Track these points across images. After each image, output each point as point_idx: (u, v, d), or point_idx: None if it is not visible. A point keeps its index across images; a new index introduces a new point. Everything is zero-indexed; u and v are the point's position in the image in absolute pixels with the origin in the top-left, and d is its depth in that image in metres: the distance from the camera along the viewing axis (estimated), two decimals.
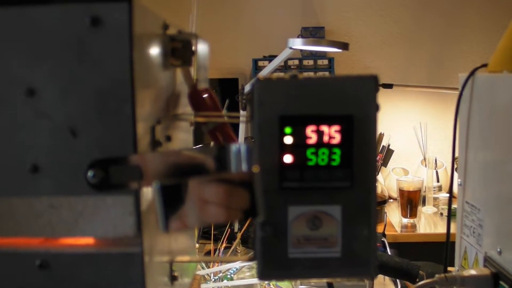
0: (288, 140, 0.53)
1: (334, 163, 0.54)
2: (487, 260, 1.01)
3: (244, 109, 1.82)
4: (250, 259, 0.58)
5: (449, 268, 1.18)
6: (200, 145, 0.79)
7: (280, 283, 1.51)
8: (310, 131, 0.53)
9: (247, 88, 1.68)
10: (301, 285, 1.58)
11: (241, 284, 1.47)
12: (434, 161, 2.97)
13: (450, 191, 1.24)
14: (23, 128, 0.58)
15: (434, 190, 2.97)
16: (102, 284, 0.60)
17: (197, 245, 1.75)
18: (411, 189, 2.66)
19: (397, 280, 1.65)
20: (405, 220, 2.77)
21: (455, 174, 1.16)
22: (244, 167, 0.46)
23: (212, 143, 0.86)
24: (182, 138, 0.86)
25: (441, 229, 2.71)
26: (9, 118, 0.58)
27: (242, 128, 1.90)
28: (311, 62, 2.57)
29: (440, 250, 1.23)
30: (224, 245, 1.68)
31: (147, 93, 0.62)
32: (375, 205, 0.55)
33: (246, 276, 1.57)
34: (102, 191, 0.51)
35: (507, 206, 0.98)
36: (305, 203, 0.53)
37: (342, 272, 0.57)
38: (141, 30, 0.59)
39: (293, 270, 0.55)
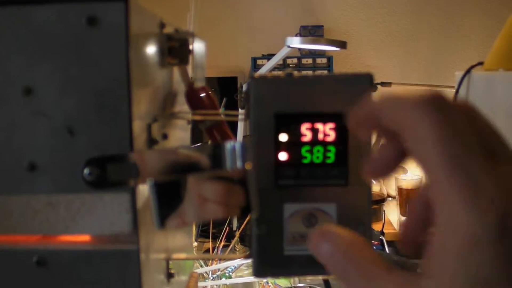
0: (283, 137, 0.53)
1: (329, 161, 0.54)
2: None
3: (242, 108, 1.82)
4: (246, 257, 0.59)
5: None
6: (199, 144, 0.80)
7: (278, 281, 1.52)
8: (305, 128, 0.53)
9: (246, 86, 1.68)
10: (299, 282, 1.58)
11: (240, 282, 1.48)
12: None
13: None
14: (20, 126, 0.58)
15: None
16: (99, 280, 0.60)
17: (195, 243, 1.75)
18: (409, 188, 2.66)
19: None
20: (404, 219, 2.76)
21: None
22: (239, 165, 0.46)
23: (209, 141, 0.86)
24: (179, 136, 0.86)
25: None
26: (7, 116, 0.58)
27: (240, 126, 1.90)
28: (310, 60, 2.57)
29: None
30: (222, 243, 1.68)
31: (144, 92, 0.63)
32: (370, 202, 0.56)
33: (245, 274, 1.57)
34: (98, 189, 0.52)
35: None
36: (300, 200, 0.53)
37: None
38: (137, 29, 0.59)
39: (289, 267, 0.55)
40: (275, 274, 0.59)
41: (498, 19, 2.77)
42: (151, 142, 0.65)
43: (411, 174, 2.89)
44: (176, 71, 0.80)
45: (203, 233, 1.87)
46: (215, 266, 1.51)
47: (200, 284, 1.46)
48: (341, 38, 2.60)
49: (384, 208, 2.70)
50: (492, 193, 0.29)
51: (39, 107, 0.58)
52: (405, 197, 2.70)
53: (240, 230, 1.74)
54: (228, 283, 1.49)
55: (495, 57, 1.10)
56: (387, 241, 1.77)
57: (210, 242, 1.73)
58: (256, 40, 2.78)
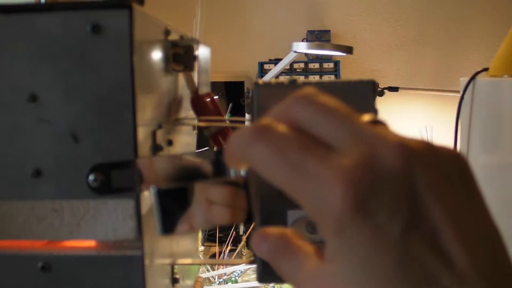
0: None
1: None
2: None
3: (249, 113, 1.83)
4: (250, 262, 0.59)
5: None
6: (204, 149, 0.80)
7: (283, 286, 1.52)
8: None
9: (250, 92, 1.68)
10: None
11: (246, 287, 1.48)
12: None
13: None
14: (25, 133, 0.59)
15: None
16: (103, 286, 0.60)
17: (202, 248, 1.75)
18: None
19: None
20: None
21: None
22: (242, 171, 0.46)
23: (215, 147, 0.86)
24: (185, 141, 0.86)
25: None
26: (12, 123, 0.59)
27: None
28: (316, 65, 2.57)
29: None
30: (229, 247, 1.69)
31: (148, 98, 0.63)
32: None
33: (251, 278, 1.57)
34: (103, 195, 0.52)
35: (508, 210, 0.98)
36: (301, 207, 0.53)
37: None
38: (142, 36, 0.59)
39: None
40: (279, 279, 0.59)
41: (505, 25, 2.77)
42: (156, 148, 0.65)
43: None
44: (181, 77, 0.81)
45: (210, 237, 1.87)
46: (221, 270, 1.51)
47: None
48: (348, 42, 2.60)
49: None
50: (329, 185, 0.31)
51: (44, 113, 0.58)
52: None
53: (246, 235, 1.74)
54: None
55: (500, 63, 1.10)
56: None
57: (217, 246, 1.73)
58: (263, 45, 2.78)
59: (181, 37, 0.79)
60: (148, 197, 0.61)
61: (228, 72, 2.67)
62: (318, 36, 2.68)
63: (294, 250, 0.37)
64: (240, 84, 2.66)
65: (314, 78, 2.52)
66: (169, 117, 0.74)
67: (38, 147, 0.59)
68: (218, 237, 1.78)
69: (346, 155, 0.32)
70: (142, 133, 0.60)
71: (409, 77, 2.82)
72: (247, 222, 0.42)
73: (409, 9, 2.82)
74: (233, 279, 1.53)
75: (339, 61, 2.58)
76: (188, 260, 0.84)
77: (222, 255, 1.66)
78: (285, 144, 0.33)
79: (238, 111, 1.98)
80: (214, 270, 1.52)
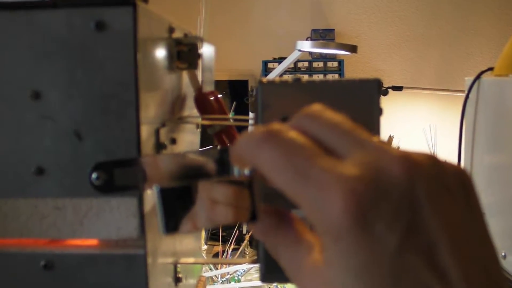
0: None
1: None
2: None
3: (253, 111, 1.82)
4: (253, 262, 0.58)
5: None
6: (208, 147, 0.79)
7: (287, 286, 1.51)
8: None
9: (254, 91, 1.68)
10: None
11: (249, 286, 1.47)
12: None
13: None
14: (28, 130, 0.58)
15: None
16: (106, 285, 0.60)
17: (205, 247, 1.75)
18: None
19: None
20: None
21: None
22: (246, 170, 0.46)
23: (218, 146, 0.86)
24: (188, 140, 0.86)
25: None
26: (15, 120, 0.58)
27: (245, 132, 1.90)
28: (321, 64, 2.56)
29: None
30: (232, 246, 1.68)
31: (152, 96, 0.63)
32: None
33: (254, 277, 1.57)
34: (106, 193, 0.52)
35: None
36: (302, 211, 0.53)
37: None
38: (146, 34, 0.59)
39: None
40: (282, 279, 0.58)
41: (509, 24, 2.76)
42: (159, 146, 0.65)
43: None
44: (185, 75, 0.80)
45: (213, 236, 1.87)
46: (224, 269, 1.51)
47: (209, 287, 1.46)
48: (352, 41, 2.59)
49: None
50: (334, 191, 0.31)
51: (47, 111, 0.58)
52: None
53: (250, 234, 1.74)
54: (237, 287, 1.49)
55: (506, 62, 1.09)
56: None
57: (220, 245, 1.73)
58: (267, 44, 2.78)
59: (185, 35, 0.79)
60: (151, 195, 0.61)
61: (232, 71, 2.67)
62: (322, 35, 2.67)
63: (295, 235, 0.38)
64: (244, 82, 2.66)
65: (318, 77, 2.51)
66: (173, 115, 0.74)
67: (41, 145, 0.58)
68: (221, 236, 1.78)
69: (350, 165, 0.32)
70: (146, 131, 0.60)
71: (413, 77, 2.82)
72: (251, 221, 0.41)
73: (414, 8, 2.82)
74: (236, 278, 1.53)
75: (343, 60, 2.57)
76: (191, 259, 0.84)
77: (225, 254, 1.66)
78: (292, 149, 0.34)
79: (242, 109, 1.98)
80: (217, 269, 1.52)
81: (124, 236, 0.59)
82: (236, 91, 2.59)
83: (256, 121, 0.54)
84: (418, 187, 0.31)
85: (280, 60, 2.45)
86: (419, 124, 2.68)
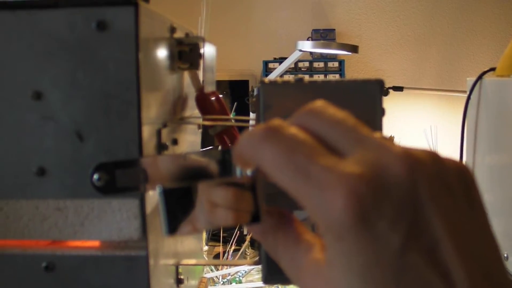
0: None
1: None
2: None
3: (254, 112, 1.82)
4: (255, 263, 0.58)
5: None
6: (209, 148, 0.79)
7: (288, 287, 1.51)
8: None
9: (256, 90, 1.67)
10: None
11: (250, 287, 1.47)
12: None
13: None
14: (30, 131, 0.58)
15: None
16: (107, 286, 0.60)
17: (206, 247, 1.75)
18: None
19: None
20: None
21: None
22: (249, 171, 0.45)
23: (220, 146, 0.86)
24: (190, 140, 0.86)
25: None
26: (16, 121, 0.58)
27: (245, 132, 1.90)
28: (321, 64, 2.56)
29: None
30: (233, 247, 1.68)
31: (153, 96, 0.63)
32: None
33: (255, 278, 1.56)
34: (107, 194, 0.52)
35: None
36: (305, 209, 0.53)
37: None
38: (147, 34, 0.59)
39: None
40: (284, 281, 0.58)
41: (510, 24, 2.76)
42: (161, 147, 0.65)
43: None
44: (186, 75, 0.80)
45: (213, 237, 1.87)
46: (225, 270, 1.50)
47: None
48: (353, 41, 2.59)
49: None
50: (334, 189, 0.31)
51: (49, 111, 0.58)
52: None
53: (251, 235, 1.74)
54: None
55: (508, 63, 1.09)
56: None
57: (221, 246, 1.73)
58: (267, 44, 2.78)
59: (187, 35, 0.79)
60: (153, 197, 0.61)
61: (233, 71, 2.66)
62: (323, 35, 2.67)
63: (295, 236, 0.38)
64: (245, 83, 2.65)
65: (319, 77, 2.51)
66: (174, 116, 0.74)
67: (42, 145, 0.58)
68: (222, 236, 1.78)
69: (351, 163, 0.32)
70: (147, 131, 0.59)
71: (414, 77, 2.82)
72: (253, 222, 0.41)
73: (415, 8, 2.81)
74: (237, 279, 1.52)
75: (343, 60, 2.57)
76: (192, 261, 0.83)
77: (226, 255, 1.66)
78: (293, 146, 0.33)
79: (242, 110, 1.98)
80: (218, 270, 1.51)
81: (125, 238, 0.59)
82: (237, 91, 2.59)
83: (258, 121, 0.54)
84: (420, 186, 0.31)
85: (280, 60, 2.45)
86: (420, 125, 2.68)
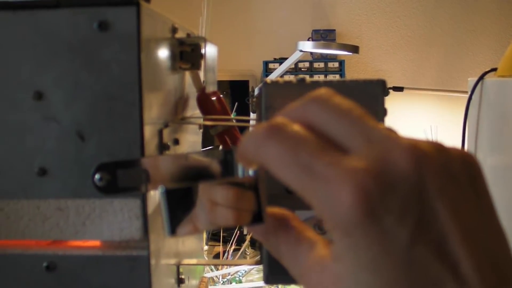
0: None
1: None
2: None
3: (254, 112, 1.82)
4: (256, 263, 0.58)
5: None
6: (209, 148, 0.79)
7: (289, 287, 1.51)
8: None
9: (257, 90, 1.67)
10: None
11: (250, 287, 1.47)
12: None
13: None
14: (31, 131, 0.58)
15: None
16: (109, 286, 0.60)
17: (206, 247, 1.75)
18: None
19: None
20: None
21: None
22: (251, 171, 0.45)
23: (221, 146, 0.86)
24: (191, 140, 0.86)
25: None
26: (18, 121, 0.58)
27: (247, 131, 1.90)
28: (321, 64, 2.56)
29: None
30: (233, 247, 1.68)
31: (155, 97, 0.62)
32: None
33: (255, 278, 1.56)
34: (109, 195, 0.52)
35: None
36: (311, 207, 0.53)
37: None
38: (149, 34, 0.59)
39: None
40: (286, 280, 0.58)
41: (511, 24, 2.76)
42: (163, 147, 0.65)
43: None
44: (187, 75, 0.80)
45: (213, 237, 1.87)
46: (225, 270, 1.50)
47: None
48: (353, 42, 2.59)
49: None
50: (339, 184, 0.31)
51: (50, 111, 0.58)
52: None
53: (251, 234, 1.74)
54: None
55: (509, 63, 1.09)
56: None
57: (221, 246, 1.73)
58: (267, 44, 2.78)
59: (188, 35, 0.79)
60: (154, 197, 0.61)
61: (233, 71, 2.66)
62: (323, 35, 2.67)
63: (297, 234, 0.38)
64: (245, 83, 2.65)
65: (319, 77, 2.51)
66: (176, 116, 0.74)
67: (44, 146, 0.58)
68: (222, 236, 1.78)
69: (358, 158, 0.32)
70: (149, 132, 0.59)
71: (414, 77, 2.82)
72: (255, 223, 0.41)
73: (415, 8, 2.81)
74: (237, 279, 1.52)
75: (344, 60, 2.57)
76: (193, 260, 0.83)
77: (226, 254, 1.66)
78: (297, 144, 0.33)
79: (242, 110, 1.98)
80: (218, 270, 1.51)
81: (127, 238, 0.59)
82: (237, 92, 2.59)
83: (259, 121, 0.54)
84: (426, 179, 0.31)
85: (281, 60, 2.45)
86: (420, 125, 2.68)
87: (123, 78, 0.57)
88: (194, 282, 0.89)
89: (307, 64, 2.56)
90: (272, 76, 2.07)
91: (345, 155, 0.32)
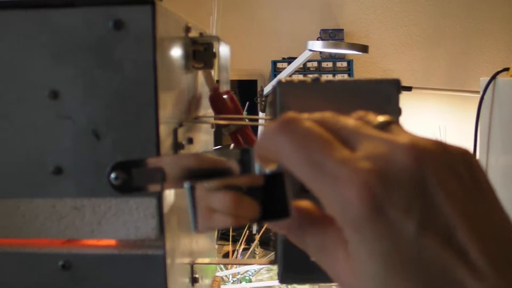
0: None
1: None
2: None
3: (263, 111, 1.82)
4: (271, 262, 0.58)
5: None
6: (219, 147, 0.79)
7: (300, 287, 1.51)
8: None
9: (266, 90, 1.67)
10: None
11: (260, 286, 1.47)
12: None
13: None
14: (46, 130, 0.58)
15: None
16: (124, 285, 0.60)
17: (215, 246, 1.75)
18: None
19: None
20: None
21: None
22: (267, 169, 0.45)
23: (232, 145, 0.86)
24: (204, 139, 0.86)
25: None
26: (33, 120, 0.58)
27: (261, 130, 1.90)
28: (330, 64, 2.56)
29: None
30: (242, 246, 1.68)
31: (170, 96, 0.63)
32: None
33: (265, 278, 1.56)
34: (124, 194, 0.52)
35: None
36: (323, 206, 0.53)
37: None
38: (163, 33, 0.59)
39: (314, 274, 0.55)
40: (301, 280, 0.58)
41: None
42: (177, 146, 0.65)
43: None
44: (200, 74, 0.80)
45: (223, 236, 1.87)
46: (235, 269, 1.50)
47: (221, 287, 1.46)
48: (361, 41, 2.58)
49: None
50: (349, 179, 0.32)
51: (65, 110, 0.58)
52: None
53: (260, 234, 1.74)
54: (248, 287, 1.48)
55: None
56: None
57: (230, 245, 1.73)
58: (276, 44, 2.78)
59: (201, 34, 0.79)
60: (169, 196, 0.61)
61: (241, 71, 2.66)
62: (332, 35, 2.67)
63: (323, 224, 0.39)
64: (253, 82, 2.65)
65: (328, 77, 2.50)
66: (189, 115, 0.74)
67: (59, 144, 0.58)
68: (232, 235, 1.78)
69: (362, 158, 0.33)
70: (164, 131, 0.59)
71: (422, 77, 2.81)
72: (281, 217, 0.41)
73: (423, 7, 2.81)
74: (247, 278, 1.52)
75: (352, 60, 2.57)
76: (207, 260, 0.83)
77: (235, 254, 1.66)
78: (307, 140, 0.35)
79: (251, 109, 1.98)
80: (227, 269, 1.51)
81: (142, 237, 0.59)
82: (245, 91, 2.59)
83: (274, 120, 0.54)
84: (427, 174, 0.32)
85: (289, 60, 2.45)
86: (429, 125, 2.67)
87: (138, 77, 0.57)
88: (207, 281, 0.89)
89: (315, 64, 2.56)
90: (281, 76, 2.07)
91: (352, 153, 0.34)
